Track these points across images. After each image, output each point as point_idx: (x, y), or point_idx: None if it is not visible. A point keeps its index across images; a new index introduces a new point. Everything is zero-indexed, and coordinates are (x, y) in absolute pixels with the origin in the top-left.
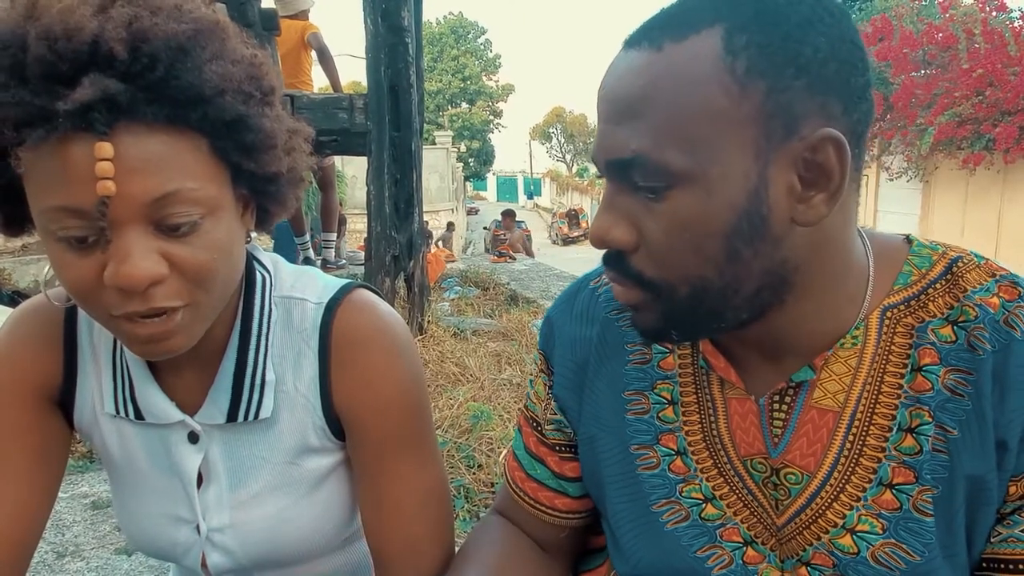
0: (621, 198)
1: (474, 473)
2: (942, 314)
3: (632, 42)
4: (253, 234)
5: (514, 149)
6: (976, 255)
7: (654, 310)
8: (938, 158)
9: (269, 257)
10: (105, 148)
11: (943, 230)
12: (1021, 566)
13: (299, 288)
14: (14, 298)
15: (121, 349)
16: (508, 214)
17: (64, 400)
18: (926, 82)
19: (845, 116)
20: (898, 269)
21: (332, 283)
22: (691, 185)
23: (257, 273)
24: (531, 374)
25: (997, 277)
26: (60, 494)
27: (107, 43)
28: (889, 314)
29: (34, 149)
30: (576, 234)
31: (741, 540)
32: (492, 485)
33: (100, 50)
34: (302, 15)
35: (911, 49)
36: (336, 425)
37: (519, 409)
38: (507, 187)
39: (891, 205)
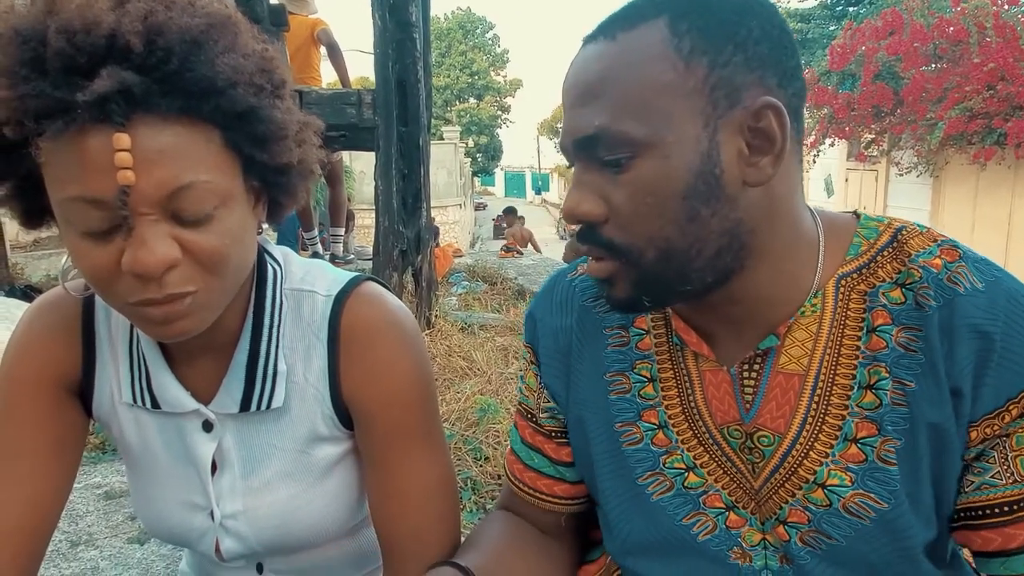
0: (588, 175)
1: (481, 465)
2: (891, 278)
3: (590, 38)
4: (265, 226)
5: (522, 144)
6: (919, 224)
7: (625, 279)
8: (948, 153)
9: (280, 250)
10: (123, 139)
11: (953, 225)
12: (996, 509)
13: (309, 280)
14: (27, 292)
15: (137, 339)
16: (509, 211)
17: (83, 390)
18: (937, 76)
19: (781, 89)
20: (849, 241)
21: (341, 276)
22: (650, 152)
23: (268, 266)
24: (520, 369)
25: (938, 242)
26: (74, 484)
27: (124, 36)
28: (844, 282)
29: (53, 140)
30: None
31: (723, 505)
32: (499, 477)
33: (117, 43)
34: (312, 11)
35: (922, 43)
36: (345, 415)
37: (516, 404)
38: (515, 182)
39: (901, 200)
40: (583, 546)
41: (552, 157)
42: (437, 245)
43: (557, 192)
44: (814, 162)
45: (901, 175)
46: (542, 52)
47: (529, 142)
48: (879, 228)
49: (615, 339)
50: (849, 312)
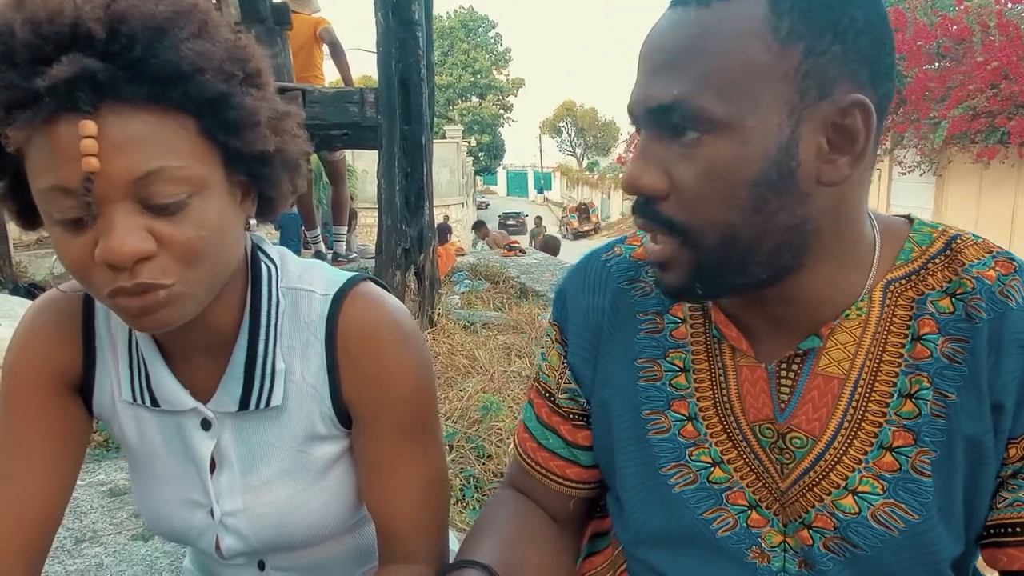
0: (655, 146)
1: (483, 463)
2: (941, 287)
3: (680, 0)
4: (253, 223)
5: (524, 143)
6: (974, 235)
7: (684, 263)
8: (952, 152)
9: (276, 250)
10: (88, 126)
11: (956, 224)
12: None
13: (306, 280)
14: (31, 290)
15: (136, 337)
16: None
17: (83, 388)
18: (940, 75)
19: (872, 88)
20: (900, 246)
21: (339, 275)
22: (727, 133)
23: (263, 264)
24: (543, 347)
25: (994, 253)
26: (78, 481)
27: (86, 24)
28: (892, 287)
29: (24, 131)
30: (586, 228)
31: (746, 503)
32: (501, 475)
33: (80, 31)
34: (314, 9)
35: (925, 42)
36: (343, 415)
37: (533, 381)
38: (517, 181)
39: (904, 199)
40: (588, 537)
41: (554, 156)
42: (448, 242)
43: (559, 191)
44: None
45: (904, 174)
46: (544, 51)
47: (531, 141)
48: (932, 235)
49: (649, 325)
50: (895, 318)
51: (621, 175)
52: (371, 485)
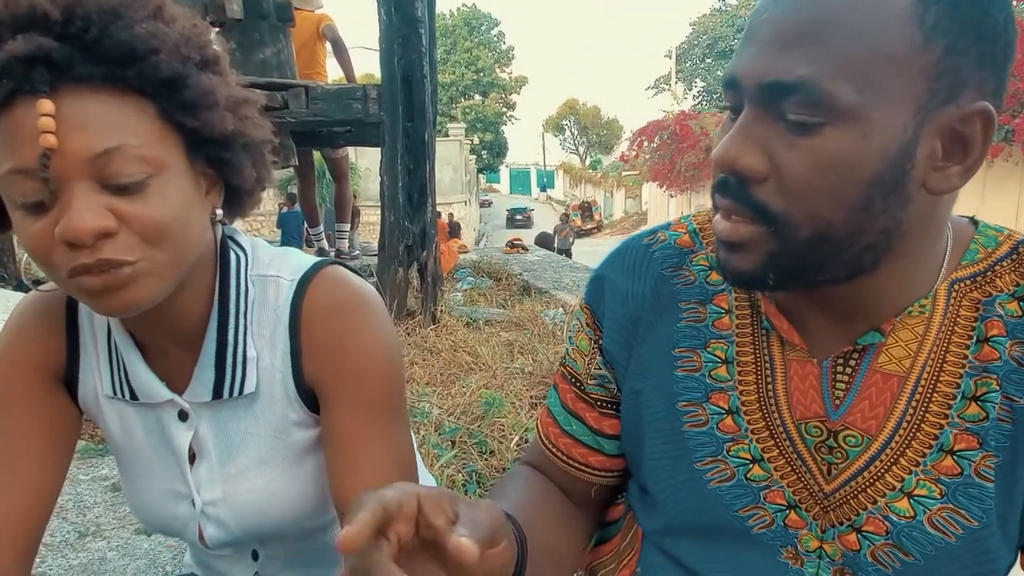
0: (760, 126)
1: (486, 459)
2: (1009, 290)
3: None
4: (220, 212)
5: (527, 141)
6: None
7: (762, 250)
8: None
9: (249, 240)
10: (45, 104)
11: None
12: None
13: (275, 266)
14: (35, 288)
15: (113, 331)
16: (565, 219)
17: (69, 381)
18: None
19: (994, 97)
20: (965, 246)
21: (308, 261)
22: (850, 124)
23: (232, 253)
24: (572, 331)
25: None
26: (81, 476)
27: (42, 6)
28: (957, 287)
29: None
30: (589, 226)
31: (785, 503)
32: (503, 471)
33: (36, 13)
34: (317, 6)
35: None
36: (308, 395)
37: (559, 366)
38: (520, 179)
39: None
40: (600, 525)
41: (557, 154)
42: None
43: (562, 189)
44: None
45: None
46: (547, 49)
47: (534, 139)
48: (999, 238)
49: (690, 314)
50: (959, 319)
51: (624, 173)
52: (334, 466)
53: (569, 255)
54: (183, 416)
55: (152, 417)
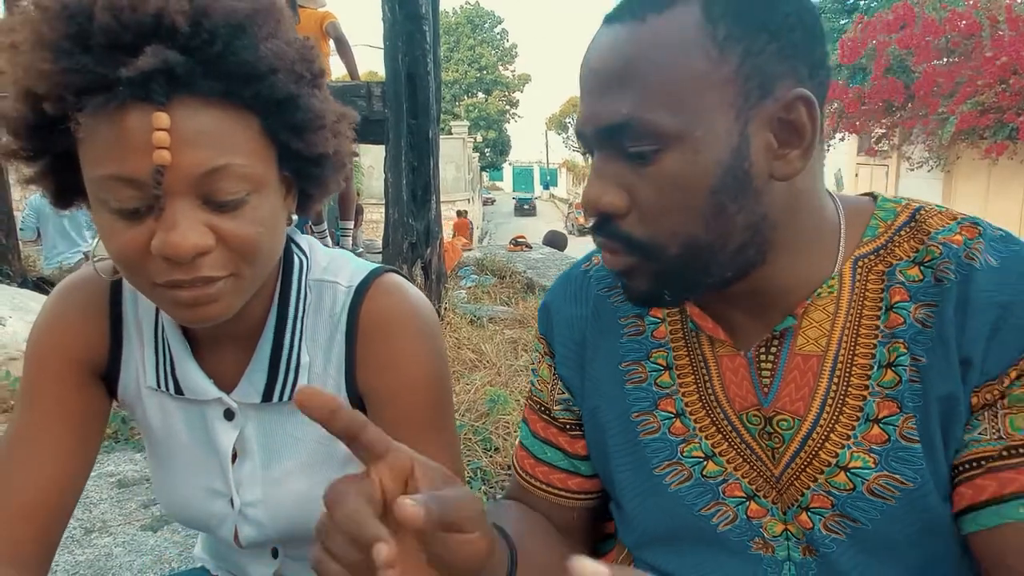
0: (611, 165)
1: (491, 456)
2: (908, 256)
3: (613, 17)
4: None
5: (530, 139)
6: (938, 205)
7: (645, 273)
8: (960, 147)
9: (306, 240)
10: (162, 118)
11: None
12: (978, 463)
13: (332, 271)
14: (39, 284)
15: (162, 325)
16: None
17: (108, 372)
18: (948, 70)
19: (811, 80)
20: (866, 223)
21: (363, 267)
22: (679, 145)
23: (295, 256)
24: (533, 362)
25: (958, 219)
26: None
27: (170, 16)
28: (861, 263)
29: (93, 117)
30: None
31: (743, 494)
32: (508, 467)
33: (163, 22)
34: (320, 4)
35: (933, 37)
36: (358, 403)
37: (526, 400)
38: (523, 177)
39: (911, 195)
40: (595, 539)
41: (560, 152)
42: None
43: (565, 187)
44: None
45: (912, 170)
46: (550, 47)
47: (537, 137)
48: (897, 209)
49: (631, 328)
50: (868, 292)
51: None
52: None
53: None
54: (229, 415)
55: (195, 413)
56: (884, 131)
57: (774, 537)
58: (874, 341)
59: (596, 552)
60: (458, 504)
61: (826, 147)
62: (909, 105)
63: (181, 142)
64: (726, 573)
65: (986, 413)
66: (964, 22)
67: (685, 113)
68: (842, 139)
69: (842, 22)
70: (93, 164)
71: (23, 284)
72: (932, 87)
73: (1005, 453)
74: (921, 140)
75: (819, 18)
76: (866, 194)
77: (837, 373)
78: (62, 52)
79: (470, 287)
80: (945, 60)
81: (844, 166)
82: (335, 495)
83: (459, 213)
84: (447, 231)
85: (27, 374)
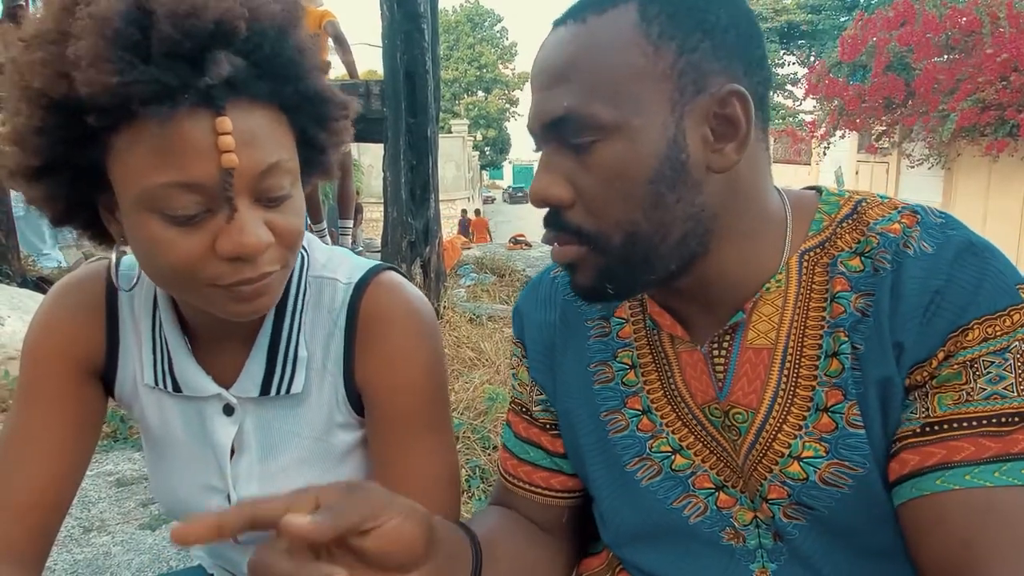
0: (556, 159)
1: (489, 454)
2: (850, 248)
3: (559, 21)
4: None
5: (530, 138)
6: (881, 195)
7: (590, 265)
8: (960, 145)
9: (305, 237)
10: (226, 123)
11: (965, 217)
12: (903, 440)
13: (331, 267)
14: (39, 284)
15: (160, 323)
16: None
17: (106, 370)
18: (949, 67)
19: (747, 78)
20: (811, 218)
21: (362, 263)
22: (618, 136)
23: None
24: (512, 366)
25: (899, 208)
26: (86, 472)
27: (232, 21)
28: (807, 257)
29: (142, 126)
30: None
31: (712, 485)
32: None
33: (223, 28)
34: (319, 3)
35: (934, 34)
36: (357, 401)
37: (509, 404)
38: (523, 176)
39: (912, 192)
40: (585, 540)
41: None
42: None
43: None
44: (824, 154)
45: (912, 167)
46: None
47: None
48: (840, 202)
49: (597, 330)
50: (814, 285)
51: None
52: (376, 475)
53: None
54: (228, 411)
55: (192, 410)
56: (884, 128)
57: (744, 526)
58: (820, 332)
59: (585, 552)
60: (353, 502)
61: (825, 147)
62: (909, 102)
63: (240, 144)
64: (703, 565)
65: (917, 394)
66: (964, 19)
67: (622, 106)
68: (842, 137)
69: (842, 19)
70: (143, 174)
71: (22, 284)
72: (933, 84)
73: (927, 429)
74: (921, 137)
75: (755, 22)
76: (811, 187)
77: (787, 365)
78: (123, 63)
79: (469, 285)
80: (946, 57)
81: (844, 164)
82: (260, 570)
83: (476, 212)
84: (452, 229)
85: (24, 373)
